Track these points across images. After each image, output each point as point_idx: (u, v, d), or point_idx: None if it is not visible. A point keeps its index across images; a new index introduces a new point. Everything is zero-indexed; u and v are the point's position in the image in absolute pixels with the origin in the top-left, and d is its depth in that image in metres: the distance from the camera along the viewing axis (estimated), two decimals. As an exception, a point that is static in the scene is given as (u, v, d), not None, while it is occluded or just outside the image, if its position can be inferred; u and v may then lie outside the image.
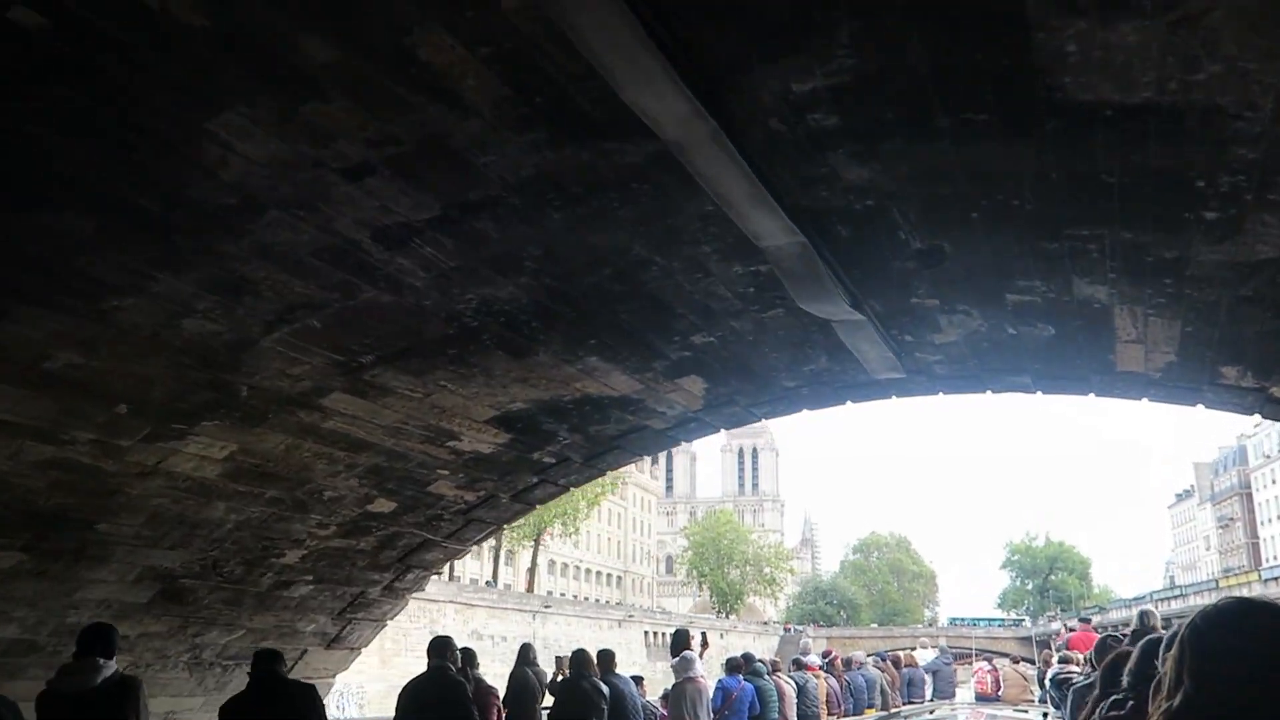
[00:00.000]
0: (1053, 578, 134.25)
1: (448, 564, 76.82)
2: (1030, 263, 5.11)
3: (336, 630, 8.94)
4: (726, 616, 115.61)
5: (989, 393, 7.73)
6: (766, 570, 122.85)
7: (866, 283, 5.45)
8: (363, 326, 5.29)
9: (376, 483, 7.33)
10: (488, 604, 56.94)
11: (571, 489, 9.03)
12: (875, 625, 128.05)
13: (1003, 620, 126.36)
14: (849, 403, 8.07)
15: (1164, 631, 4.87)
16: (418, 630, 49.58)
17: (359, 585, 8.57)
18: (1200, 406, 7.42)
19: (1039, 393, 7.63)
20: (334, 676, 9.45)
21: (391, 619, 9.38)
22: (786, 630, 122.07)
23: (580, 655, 9.25)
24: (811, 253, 4.73)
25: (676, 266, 5.22)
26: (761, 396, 7.71)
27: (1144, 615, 7.90)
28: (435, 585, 52.95)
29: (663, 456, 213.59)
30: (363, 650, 9.42)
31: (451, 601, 52.51)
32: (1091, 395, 7.55)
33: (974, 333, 6.35)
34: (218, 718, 6.50)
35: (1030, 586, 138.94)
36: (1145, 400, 7.50)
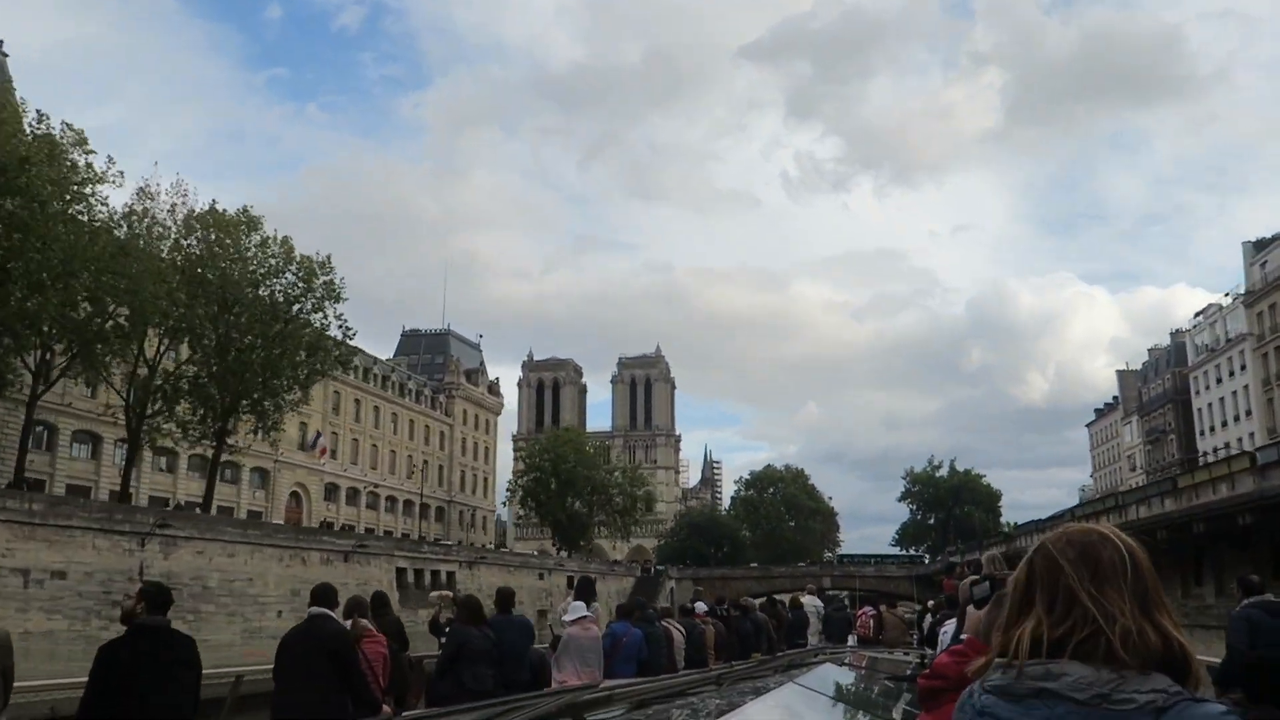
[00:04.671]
0: (957, 511, 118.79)
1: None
2: None
3: None
4: (570, 555, 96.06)
5: None
6: (619, 499, 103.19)
7: None
8: None
9: None
10: (18, 519, 35.18)
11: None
12: (754, 565, 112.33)
13: (896, 557, 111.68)
14: None
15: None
16: None
17: None
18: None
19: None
20: None
21: None
22: (645, 571, 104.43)
23: (470, 600, 9.69)
24: None
25: None
26: None
27: None
28: None
29: (548, 386, 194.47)
30: None
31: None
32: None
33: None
34: (95, 659, 6.47)
35: (933, 520, 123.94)
36: None
